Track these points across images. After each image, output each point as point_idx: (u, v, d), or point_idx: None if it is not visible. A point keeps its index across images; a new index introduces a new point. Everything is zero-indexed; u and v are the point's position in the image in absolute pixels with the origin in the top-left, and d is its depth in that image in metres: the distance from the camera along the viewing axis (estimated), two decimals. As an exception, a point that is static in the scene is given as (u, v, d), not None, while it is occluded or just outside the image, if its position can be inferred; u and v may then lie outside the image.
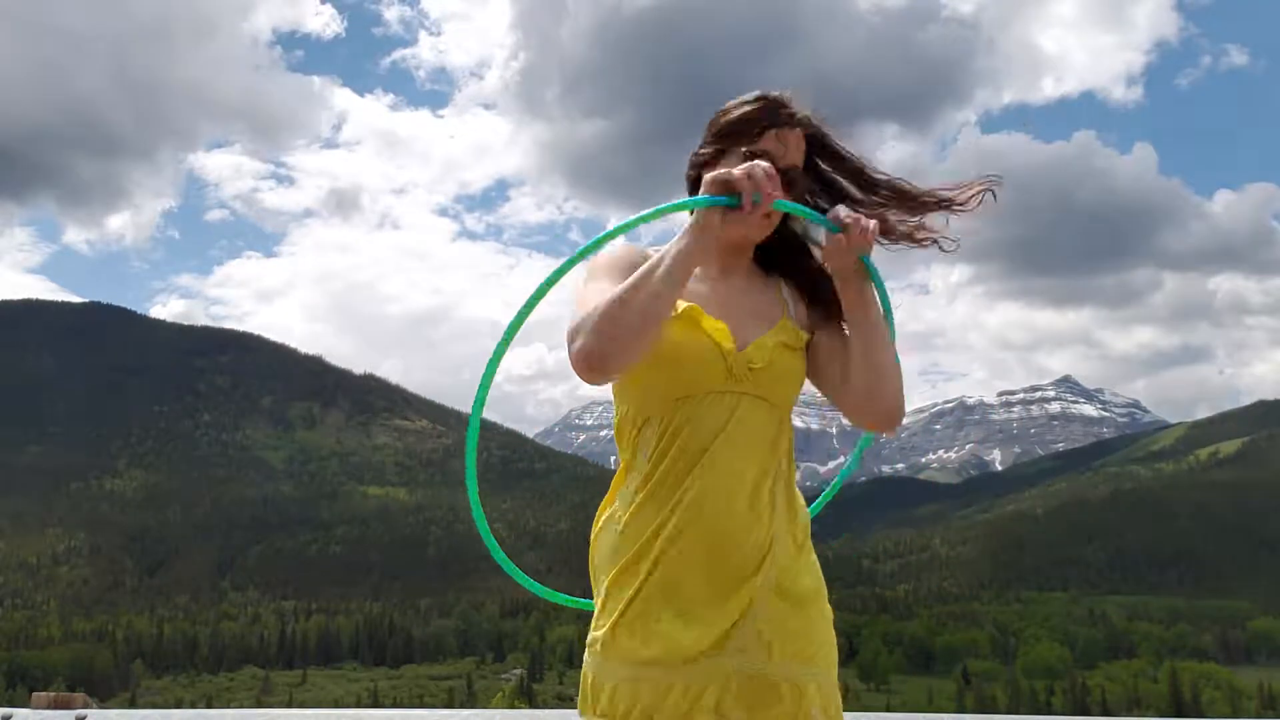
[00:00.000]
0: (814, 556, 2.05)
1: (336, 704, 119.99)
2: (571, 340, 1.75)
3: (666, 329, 1.80)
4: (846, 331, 1.97)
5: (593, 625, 1.89)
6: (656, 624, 1.79)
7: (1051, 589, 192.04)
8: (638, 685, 1.77)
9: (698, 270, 1.89)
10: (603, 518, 1.95)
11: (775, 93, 2.01)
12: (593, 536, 1.98)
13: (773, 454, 1.91)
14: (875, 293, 1.95)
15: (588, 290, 1.85)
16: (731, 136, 1.96)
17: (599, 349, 1.71)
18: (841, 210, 1.90)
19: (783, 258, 2.05)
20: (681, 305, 1.85)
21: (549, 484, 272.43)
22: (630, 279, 1.74)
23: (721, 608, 1.80)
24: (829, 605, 2.04)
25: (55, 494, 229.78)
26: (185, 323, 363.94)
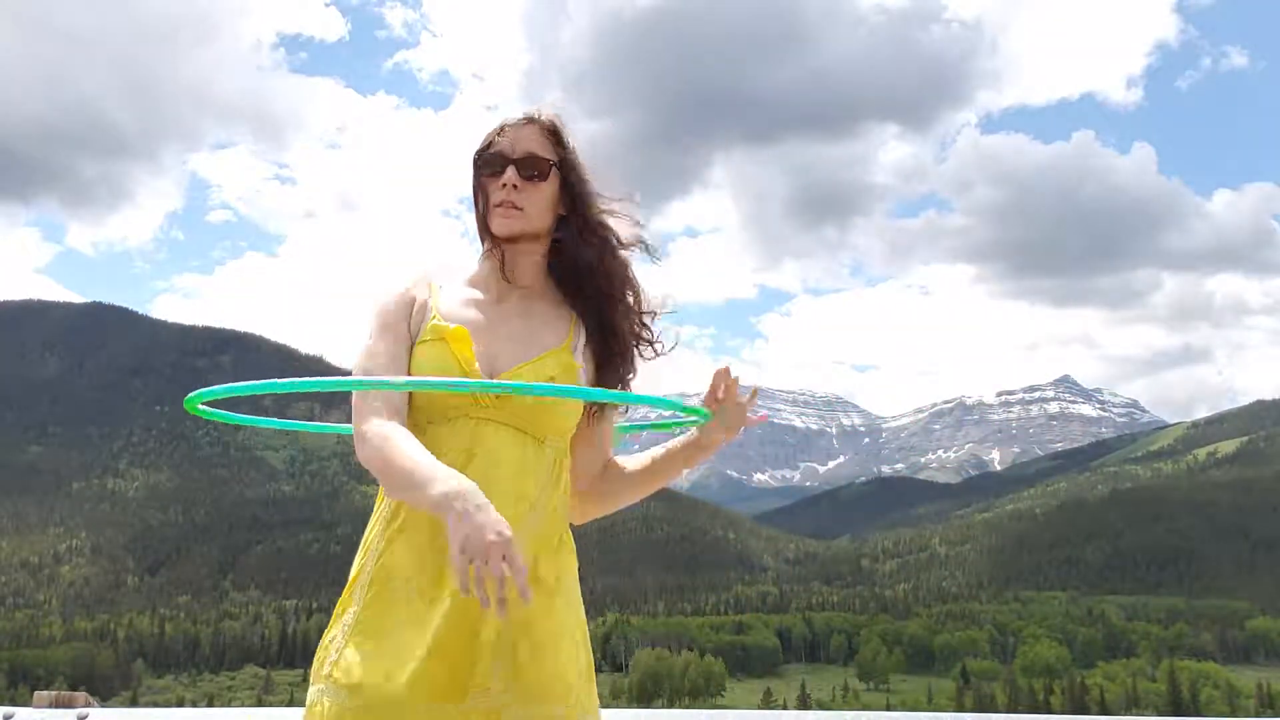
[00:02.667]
0: (571, 598, 1.95)
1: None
2: (357, 433, 1.88)
3: (419, 350, 1.92)
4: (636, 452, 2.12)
5: (328, 649, 1.86)
6: (401, 664, 1.76)
7: (1050, 588, 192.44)
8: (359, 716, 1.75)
9: (477, 292, 2.03)
10: (370, 535, 1.95)
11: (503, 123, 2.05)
12: (362, 550, 1.96)
13: (529, 488, 1.90)
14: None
15: (364, 354, 1.95)
16: (477, 169, 2.05)
17: (366, 465, 1.85)
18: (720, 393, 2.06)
19: (586, 291, 2.06)
20: (447, 327, 1.92)
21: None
22: (403, 462, 1.77)
23: (465, 651, 1.78)
24: (586, 646, 1.95)
25: (57, 493, 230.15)
26: (187, 323, 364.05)
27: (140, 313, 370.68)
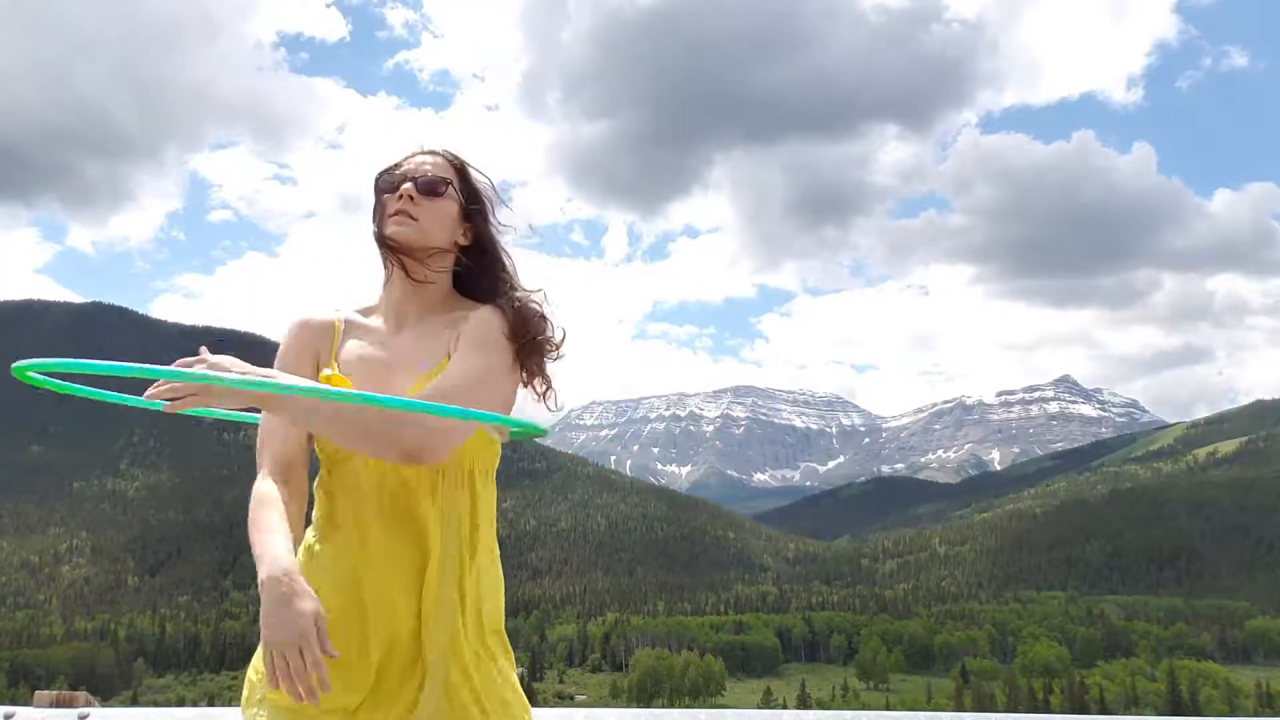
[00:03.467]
0: (501, 664, 1.97)
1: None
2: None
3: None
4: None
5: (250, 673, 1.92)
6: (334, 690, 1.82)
7: (1050, 588, 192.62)
8: None
9: (376, 323, 2.11)
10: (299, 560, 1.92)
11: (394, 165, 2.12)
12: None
13: (438, 532, 1.94)
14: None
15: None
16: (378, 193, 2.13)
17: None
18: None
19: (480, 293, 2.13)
20: (333, 375, 2.01)
21: (549, 484, 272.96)
22: (252, 534, 1.85)
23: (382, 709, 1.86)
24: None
25: (57, 493, 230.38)
26: (187, 323, 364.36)
27: (140, 313, 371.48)
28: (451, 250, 2.09)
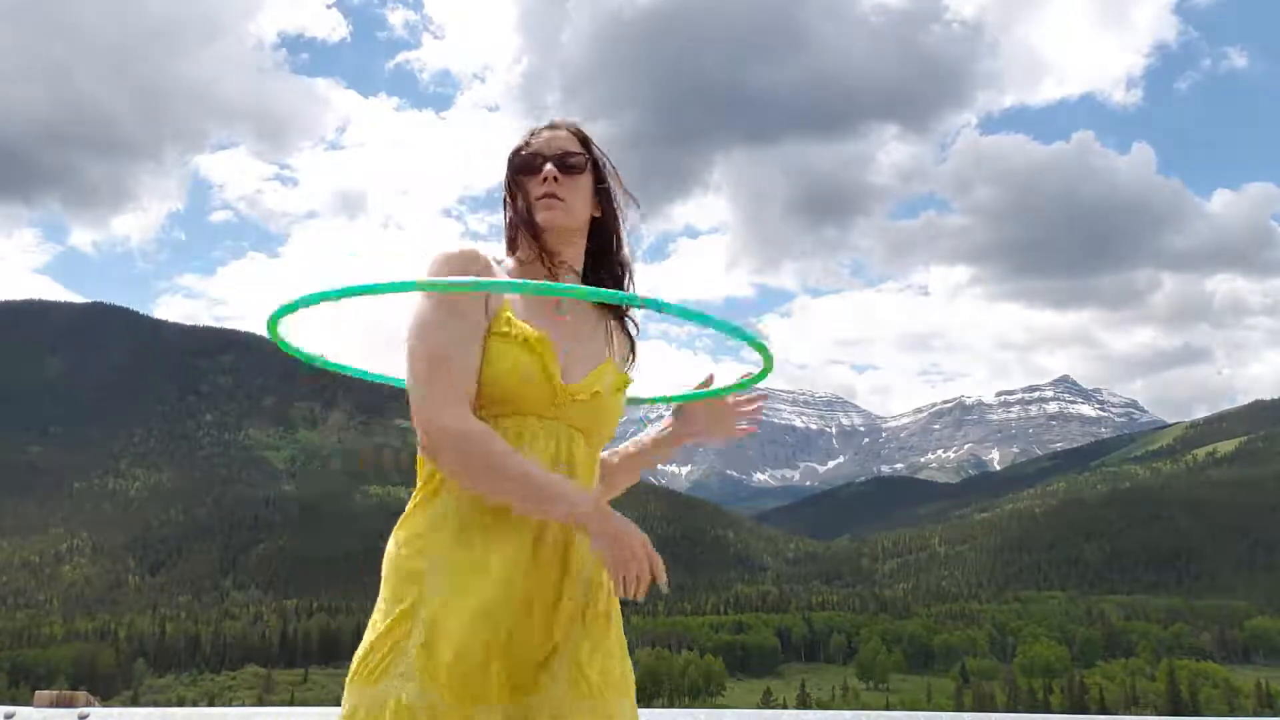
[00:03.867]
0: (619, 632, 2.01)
1: (338, 702, 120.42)
2: (434, 424, 1.84)
3: (496, 342, 1.90)
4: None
5: (381, 647, 1.83)
6: (475, 661, 1.79)
7: (1049, 588, 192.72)
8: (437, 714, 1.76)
9: (537, 303, 2.00)
10: (408, 534, 1.94)
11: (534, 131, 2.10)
12: (397, 546, 1.94)
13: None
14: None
15: (439, 331, 1.88)
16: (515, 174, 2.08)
17: (456, 461, 1.84)
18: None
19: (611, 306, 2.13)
20: (531, 333, 1.91)
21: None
22: (521, 471, 1.81)
23: (535, 649, 1.86)
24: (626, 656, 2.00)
25: (58, 493, 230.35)
26: (188, 323, 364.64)
27: (141, 313, 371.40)
28: (583, 236, 2.09)
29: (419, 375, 1.86)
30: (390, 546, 1.93)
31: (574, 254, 2.07)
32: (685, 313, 1.78)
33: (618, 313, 2.13)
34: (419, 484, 1.98)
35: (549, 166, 2.01)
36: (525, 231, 2.02)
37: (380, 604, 1.87)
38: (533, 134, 2.07)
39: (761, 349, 1.99)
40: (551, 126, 2.08)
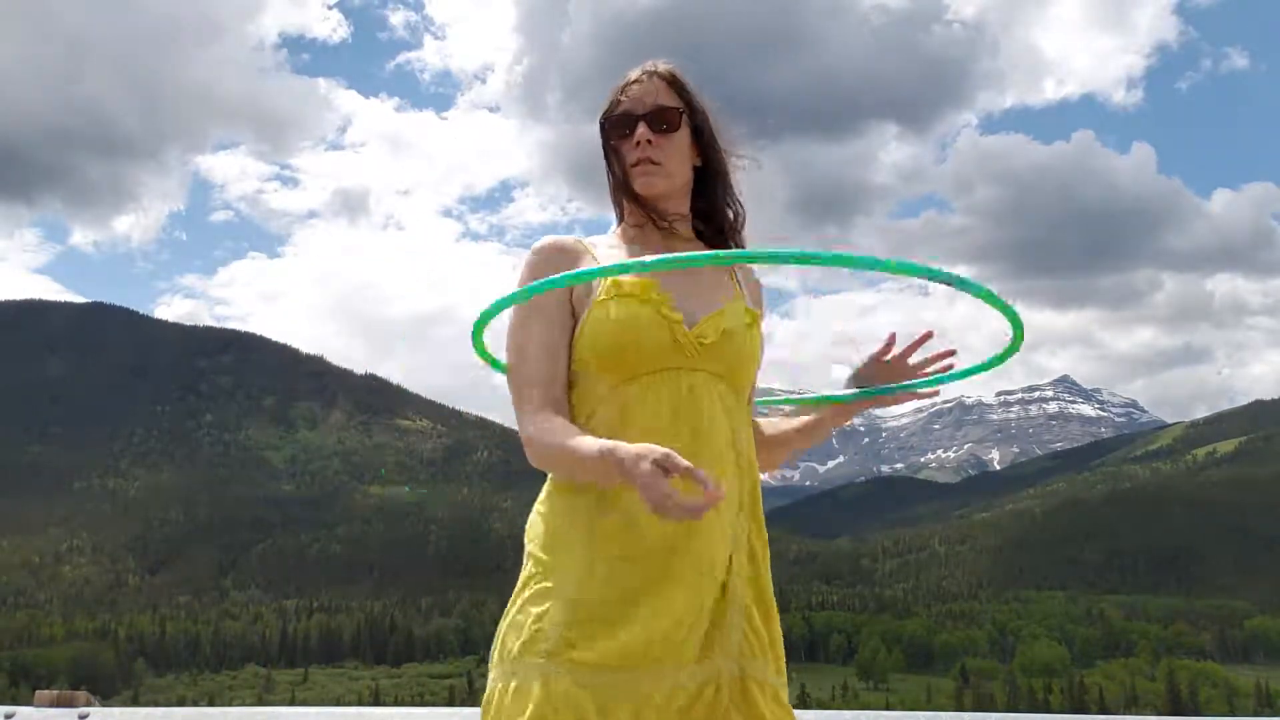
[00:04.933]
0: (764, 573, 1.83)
1: (338, 702, 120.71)
2: (523, 437, 1.77)
3: (606, 308, 1.76)
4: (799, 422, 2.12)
5: (521, 619, 1.72)
6: (626, 625, 1.64)
7: (1049, 588, 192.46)
8: (603, 692, 1.61)
9: (638, 248, 1.91)
10: (552, 499, 1.81)
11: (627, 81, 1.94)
12: (543, 512, 1.82)
13: (744, 444, 1.82)
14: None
15: (520, 332, 1.82)
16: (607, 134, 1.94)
17: (539, 464, 1.77)
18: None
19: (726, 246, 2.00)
20: (626, 281, 1.77)
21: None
22: (564, 443, 1.69)
23: (696, 609, 1.68)
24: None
25: (58, 493, 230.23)
26: (188, 323, 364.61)
27: (142, 313, 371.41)
28: (689, 185, 1.94)
29: (509, 386, 1.83)
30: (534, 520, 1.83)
31: (683, 206, 1.95)
32: (881, 264, 1.61)
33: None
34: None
35: (641, 129, 1.86)
36: (627, 195, 1.91)
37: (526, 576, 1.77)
38: (625, 87, 1.92)
39: (1012, 317, 1.84)
40: (645, 74, 1.92)
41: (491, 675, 1.74)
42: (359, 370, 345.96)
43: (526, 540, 1.81)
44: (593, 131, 1.93)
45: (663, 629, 1.64)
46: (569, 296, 1.81)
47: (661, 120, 1.87)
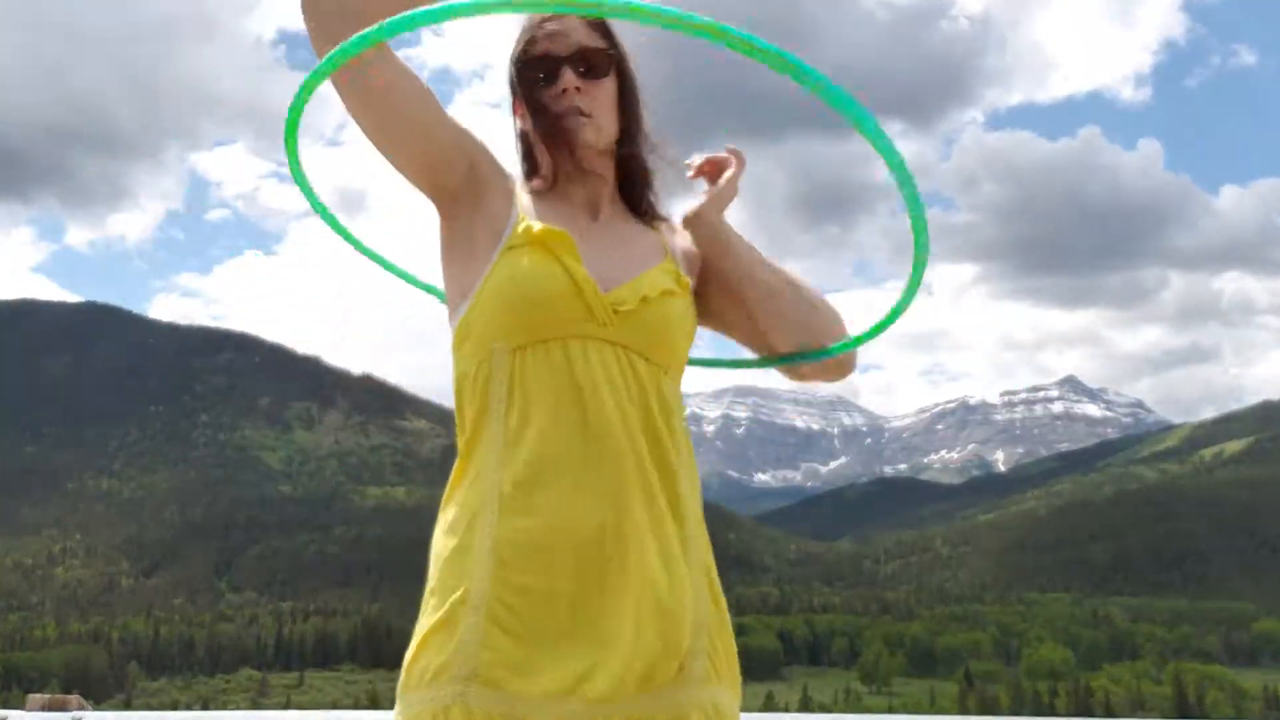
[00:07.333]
0: (709, 576, 1.55)
1: (334, 705, 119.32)
2: None
3: (511, 257, 1.51)
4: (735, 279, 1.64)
5: (425, 647, 1.48)
6: (530, 650, 1.39)
7: (1054, 590, 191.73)
8: None
9: (564, 213, 1.60)
10: (448, 517, 1.52)
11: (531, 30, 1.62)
12: (439, 533, 1.53)
13: (655, 423, 1.50)
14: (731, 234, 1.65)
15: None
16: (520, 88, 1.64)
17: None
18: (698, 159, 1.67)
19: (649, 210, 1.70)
20: (537, 226, 1.52)
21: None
22: None
23: (598, 631, 1.40)
24: (729, 625, 1.59)
25: (52, 494, 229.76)
26: (183, 322, 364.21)
27: (136, 312, 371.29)
28: (614, 136, 1.64)
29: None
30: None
31: (609, 163, 1.65)
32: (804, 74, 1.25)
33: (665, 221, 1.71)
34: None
35: (568, 74, 1.57)
36: (552, 149, 1.60)
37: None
38: (542, 22, 1.60)
39: (919, 228, 1.42)
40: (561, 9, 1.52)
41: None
42: (356, 370, 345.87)
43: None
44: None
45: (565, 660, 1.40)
46: (489, 211, 1.57)
47: (589, 64, 1.58)
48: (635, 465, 1.45)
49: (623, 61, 1.63)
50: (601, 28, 1.62)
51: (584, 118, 1.55)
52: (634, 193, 1.68)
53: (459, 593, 1.44)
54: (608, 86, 1.59)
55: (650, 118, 1.68)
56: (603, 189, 1.64)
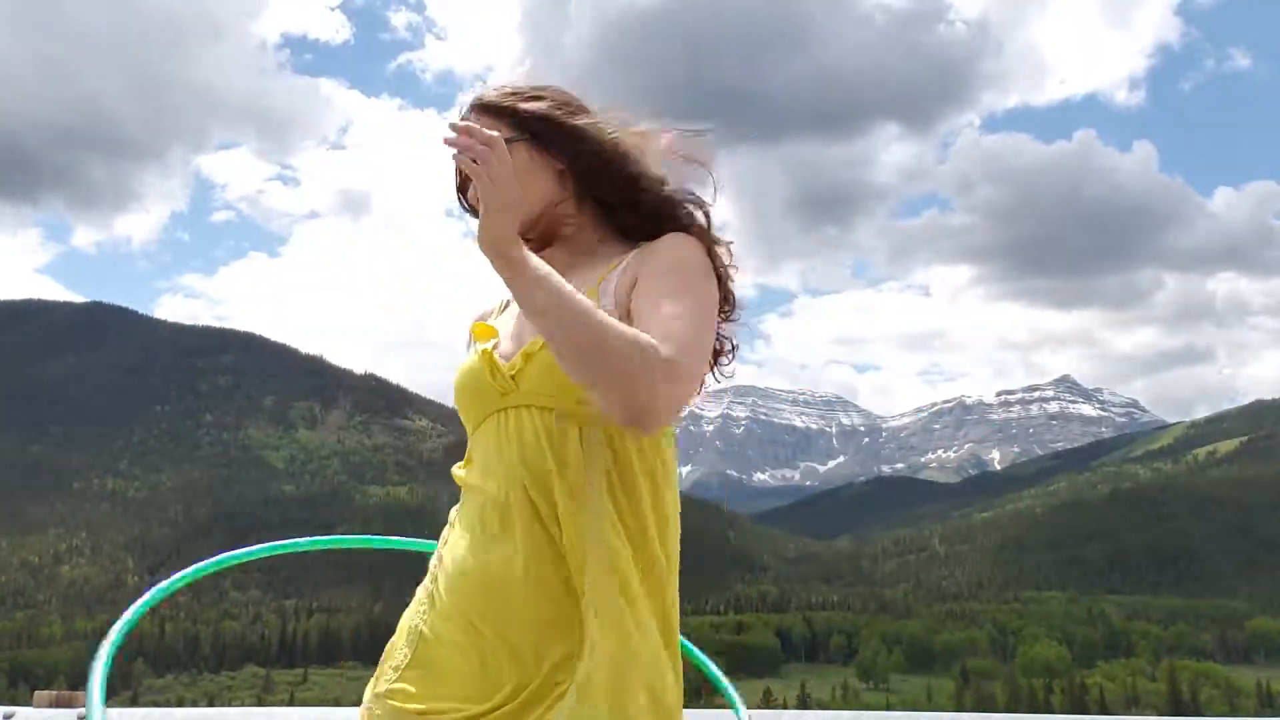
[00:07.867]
0: (637, 614, 1.49)
1: (337, 702, 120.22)
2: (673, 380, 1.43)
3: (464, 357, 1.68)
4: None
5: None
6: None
7: (1050, 588, 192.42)
8: None
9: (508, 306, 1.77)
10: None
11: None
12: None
13: (535, 468, 1.53)
14: (535, 273, 1.45)
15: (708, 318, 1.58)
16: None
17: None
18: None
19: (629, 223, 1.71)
20: (476, 325, 1.71)
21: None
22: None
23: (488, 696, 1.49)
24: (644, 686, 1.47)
25: (57, 493, 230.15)
26: (188, 323, 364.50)
27: (141, 313, 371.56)
28: (564, 194, 1.68)
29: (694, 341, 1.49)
30: None
31: (577, 221, 1.71)
32: None
33: (634, 227, 1.70)
34: None
35: (470, 191, 1.71)
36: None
37: None
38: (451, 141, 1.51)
39: None
40: (470, 112, 1.72)
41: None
42: (359, 370, 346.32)
43: None
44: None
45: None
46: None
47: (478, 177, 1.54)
48: (519, 515, 1.52)
49: (530, 127, 1.66)
50: (496, 112, 1.67)
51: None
52: (629, 225, 1.69)
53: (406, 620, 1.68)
54: (516, 166, 1.52)
55: (611, 134, 1.67)
56: (575, 242, 1.70)
